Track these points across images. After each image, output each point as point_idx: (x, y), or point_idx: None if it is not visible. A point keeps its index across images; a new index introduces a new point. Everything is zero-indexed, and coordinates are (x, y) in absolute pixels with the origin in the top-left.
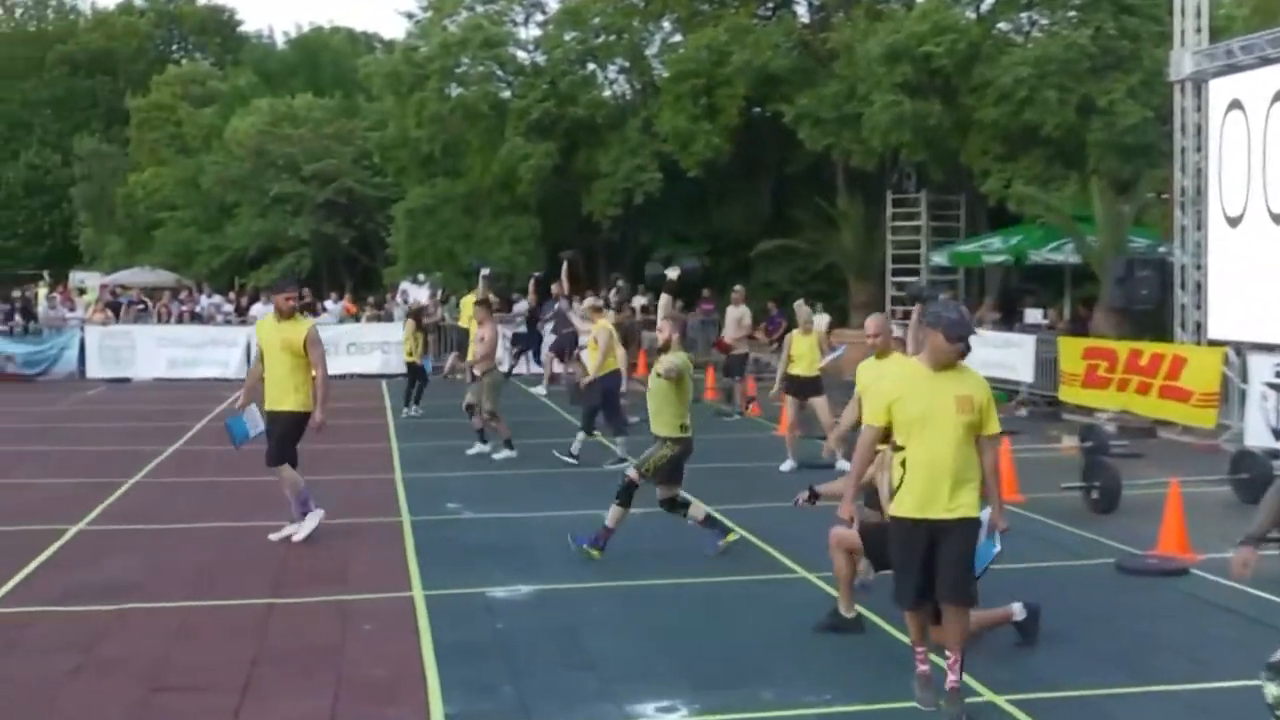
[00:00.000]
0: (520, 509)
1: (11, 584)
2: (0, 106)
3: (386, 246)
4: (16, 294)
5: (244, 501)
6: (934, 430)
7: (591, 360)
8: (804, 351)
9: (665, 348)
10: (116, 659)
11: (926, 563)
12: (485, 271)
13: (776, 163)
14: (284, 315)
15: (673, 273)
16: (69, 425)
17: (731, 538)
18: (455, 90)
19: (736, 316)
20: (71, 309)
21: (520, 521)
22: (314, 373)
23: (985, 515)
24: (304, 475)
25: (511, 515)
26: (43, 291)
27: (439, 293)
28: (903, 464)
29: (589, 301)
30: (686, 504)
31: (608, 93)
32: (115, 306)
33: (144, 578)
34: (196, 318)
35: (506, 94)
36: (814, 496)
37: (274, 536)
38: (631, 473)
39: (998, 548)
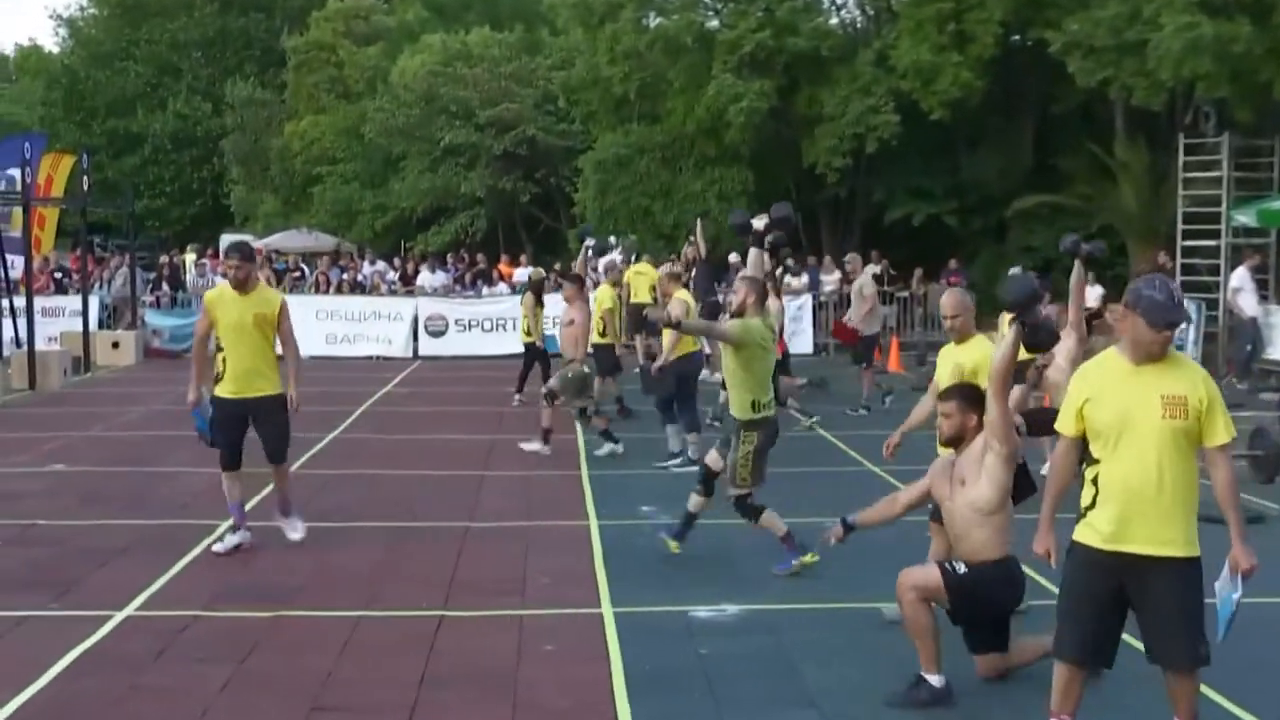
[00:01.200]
0: (724, 514)
1: (160, 582)
2: (146, 50)
3: (573, 204)
4: (164, 260)
5: (412, 498)
6: (1133, 439)
7: (666, 340)
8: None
9: (739, 313)
10: (271, 672)
11: (1106, 609)
12: (589, 242)
13: (1040, 102)
14: (242, 287)
15: (759, 223)
16: None
17: (810, 558)
18: (654, 20)
19: (857, 288)
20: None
21: (723, 530)
22: (283, 349)
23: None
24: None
25: (714, 522)
26: (191, 258)
27: (632, 258)
28: (1094, 481)
29: (665, 268)
30: (760, 510)
31: (834, 20)
32: (280, 274)
33: (301, 581)
34: (358, 287)
35: (714, 24)
36: (847, 529)
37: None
38: (734, 491)
39: (1238, 593)
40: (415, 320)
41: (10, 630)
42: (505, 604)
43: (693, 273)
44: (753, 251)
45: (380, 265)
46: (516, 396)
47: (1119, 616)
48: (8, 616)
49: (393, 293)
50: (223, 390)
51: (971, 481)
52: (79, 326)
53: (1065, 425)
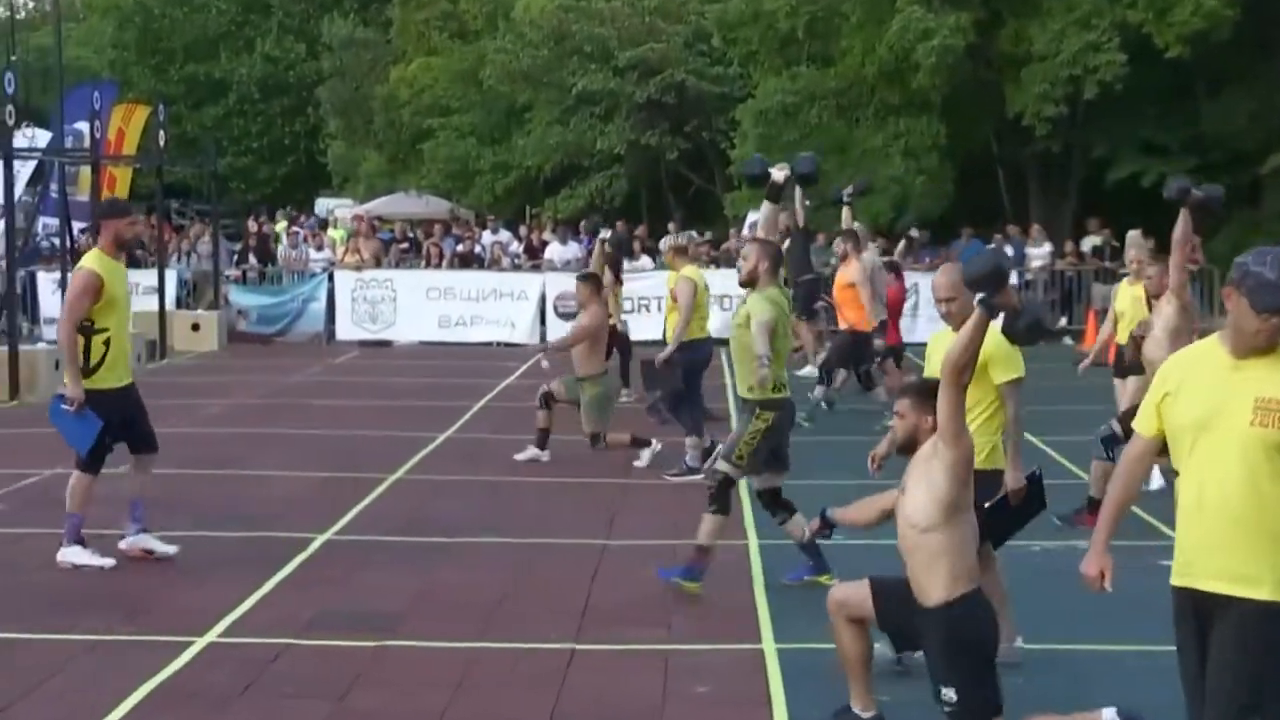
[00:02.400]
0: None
1: (248, 604)
2: None
3: (729, 163)
4: (251, 227)
5: (537, 510)
6: (1211, 447)
7: (670, 324)
8: (1128, 307)
9: (748, 283)
10: (374, 711)
11: (1196, 668)
12: (604, 234)
13: None
14: (122, 252)
15: (779, 173)
16: (314, 401)
17: (826, 579)
18: None
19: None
20: (318, 248)
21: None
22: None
23: None
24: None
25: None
26: (282, 225)
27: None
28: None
29: (668, 240)
30: (790, 510)
31: None
32: (385, 245)
33: (408, 605)
34: (476, 260)
35: None
36: (825, 523)
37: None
38: (723, 465)
39: None
40: (542, 300)
41: (77, 657)
42: (648, 637)
43: (785, 245)
44: (765, 208)
45: (502, 235)
46: (624, 391)
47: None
48: (75, 641)
49: (516, 267)
50: (106, 381)
51: (911, 489)
52: (154, 305)
53: (1142, 422)
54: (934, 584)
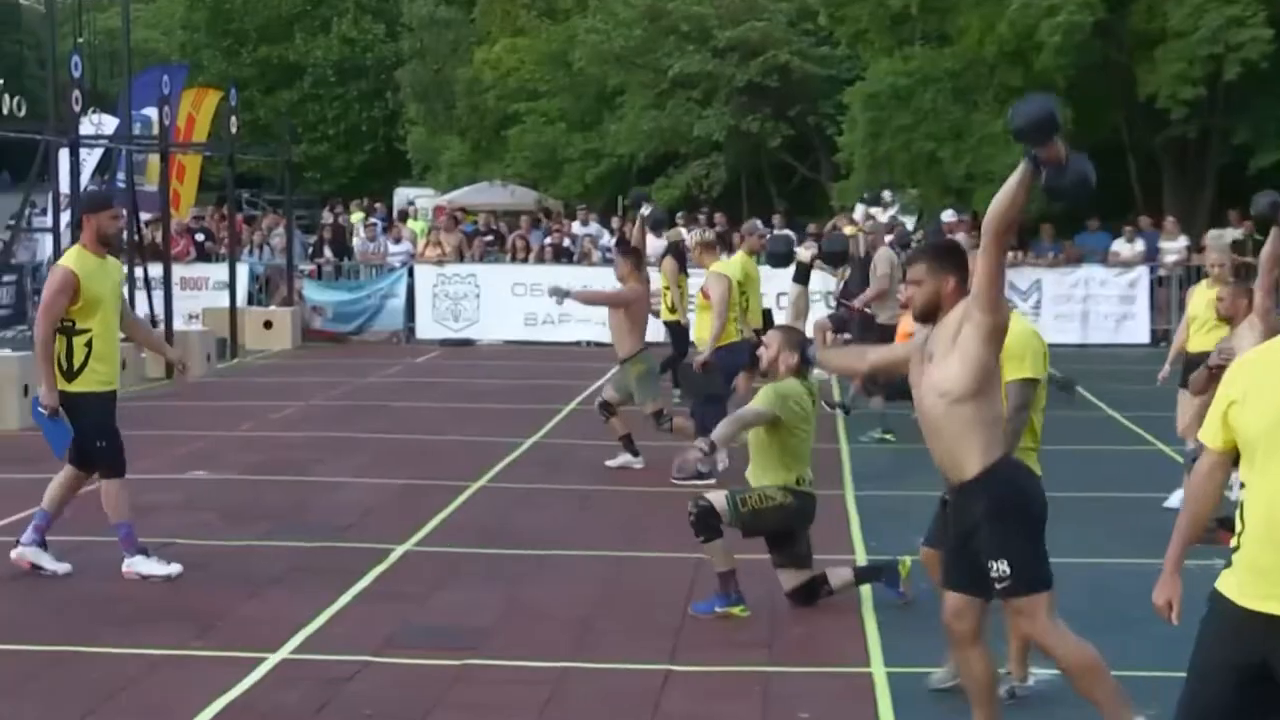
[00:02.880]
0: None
1: (322, 619)
2: None
3: (836, 150)
4: (326, 219)
5: (629, 520)
6: None
7: (701, 325)
8: (1201, 310)
9: (767, 373)
10: None
11: (1234, 687)
12: (646, 210)
13: None
14: (106, 248)
15: (805, 252)
16: (393, 403)
17: (739, 611)
18: None
19: (872, 265)
20: (397, 241)
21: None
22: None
23: None
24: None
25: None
26: (359, 217)
27: (917, 219)
28: (1241, 514)
29: (695, 235)
30: (717, 533)
31: None
32: (469, 238)
33: (493, 621)
34: (565, 254)
35: None
36: (805, 361)
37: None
38: (719, 501)
39: None
40: None
41: (144, 674)
42: (748, 658)
43: (845, 273)
44: (793, 288)
45: (593, 227)
46: (676, 392)
47: (1256, 704)
48: (141, 656)
49: (608, 262)
50: (88, 384)
51: (940, 357)
52: (224, 302)
53: (1208, 434)
54: (970, 456)
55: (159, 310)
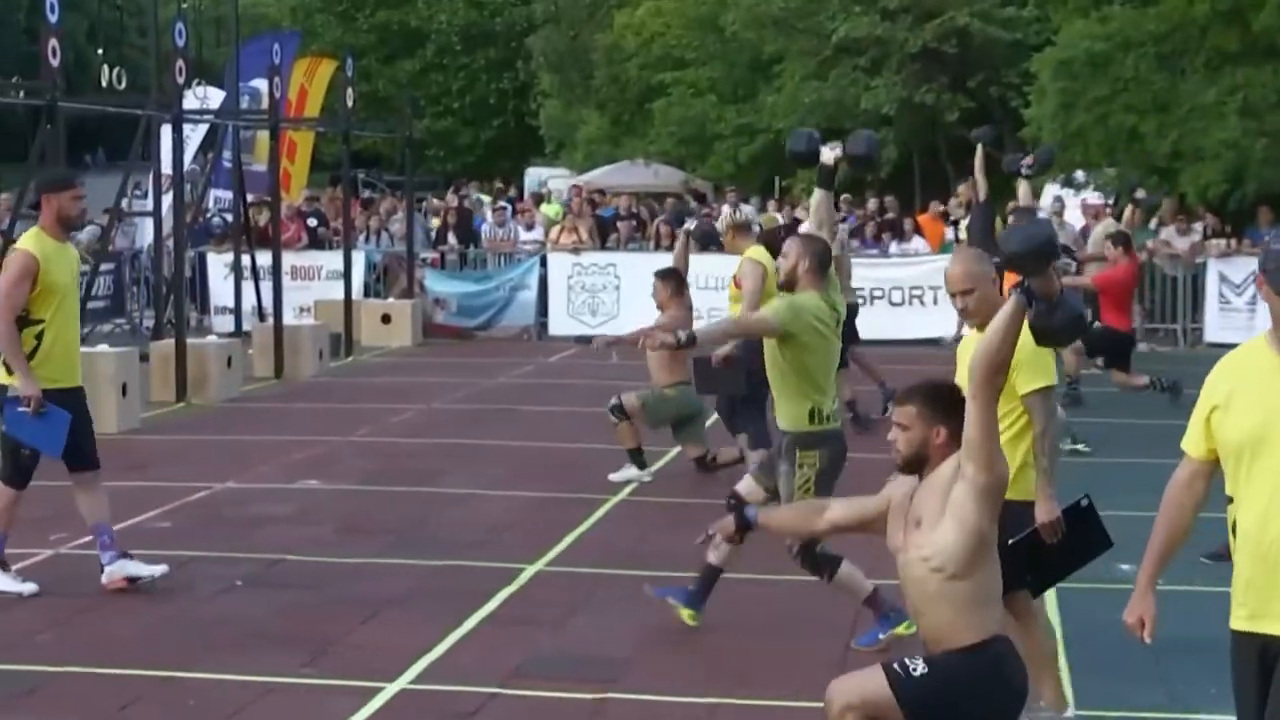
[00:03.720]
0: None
1: (445, 645)
2: None
3: (1022, 124)
4: (452, 201)
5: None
6: (1271, 465)
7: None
8: None
9: (788, 285)
10: None
11: (1253, 701)
12: (690, 224)
13: None
14: (66, 232)
15: (830, 153)
16: (523, 406)
17: (904, 630)
18: None
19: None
20: (529, 227)
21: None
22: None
23: None
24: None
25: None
26: (487, 199)
27: (1109, 207)
28: (1233, 529)
29: (725, 218)
30: (835, 561)
31: None
32: (607, 223)
33: (632, 651)
34: (715, 241)
35: None
36: (745, 526)
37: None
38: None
39: None
40: None
41: (255, 700)
42: None
43: (965, 220)
44: (817, 194)
45: (748, 210)
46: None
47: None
48: (252, 682)
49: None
50: (43, 377)
51: (930, 523)
52: (338, 294)
53: (1189, 442)
54: (965, 633)
55: (267, 303)
